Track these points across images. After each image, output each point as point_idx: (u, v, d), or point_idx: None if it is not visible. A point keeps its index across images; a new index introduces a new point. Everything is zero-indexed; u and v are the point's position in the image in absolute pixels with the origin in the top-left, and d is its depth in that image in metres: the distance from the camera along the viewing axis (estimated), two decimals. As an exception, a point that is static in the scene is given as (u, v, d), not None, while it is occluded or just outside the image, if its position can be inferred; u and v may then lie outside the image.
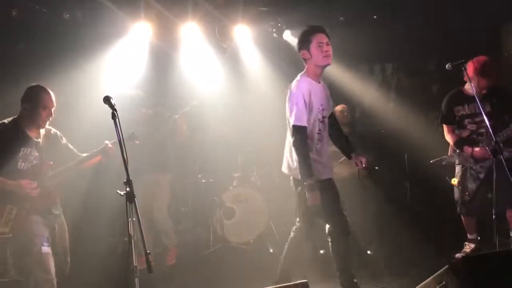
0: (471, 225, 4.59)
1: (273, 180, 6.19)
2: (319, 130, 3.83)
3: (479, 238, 4.63)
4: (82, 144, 4.14)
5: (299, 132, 3.67)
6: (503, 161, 3.60)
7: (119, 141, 2.87)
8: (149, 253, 2.68)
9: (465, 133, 4.51)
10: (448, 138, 4.61)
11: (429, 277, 3.49)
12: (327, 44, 3.75)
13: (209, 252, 5.48)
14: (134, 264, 2.75)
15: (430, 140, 5.18)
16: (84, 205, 4.16)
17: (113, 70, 5.29)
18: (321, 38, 3.76)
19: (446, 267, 3.04)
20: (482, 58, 4.34)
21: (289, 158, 3.86)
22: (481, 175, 4.40)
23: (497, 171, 3.72)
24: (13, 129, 3.64)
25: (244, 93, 6.03)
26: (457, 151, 4.50)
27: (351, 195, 5.59)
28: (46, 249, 3.57)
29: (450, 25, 6.00)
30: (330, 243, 3.94)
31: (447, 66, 4.04)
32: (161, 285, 4.48)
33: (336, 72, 6.43)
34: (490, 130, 3.70)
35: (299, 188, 3.80)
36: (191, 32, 5.78)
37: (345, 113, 6.09)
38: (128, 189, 2.79)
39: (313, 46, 3.74)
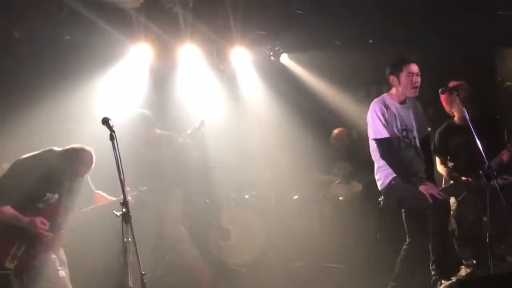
0: (467, 253, 4.58)
1: (270, 202, 6.21)
2: (398, 146, 3.90)
3: (474, 262, 4.63)
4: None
5: (382, 144, 3.84)
6: (497, 185, 3.63)
7: (116, 162, 2.90)
8: (144, 274, 2.69)
9: (460, 163, 4.56)
10: (441, 169, 4.65)
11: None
12: (417, 75, 3.92)
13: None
14: (130, 286, 2.75)
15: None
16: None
17: (113, 92, 5.34)
18: (413, 68, 3.92)
19: (449, 283, 3.03)
20: (465, 85, 4.37)
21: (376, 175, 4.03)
22: (478, 205, 4.41)
23: (491, 196, 3.75)
24: (47, 172, 3.54)
25: (242, 114, 6.08)
26: (451, 182, 4.53)
27: (348, 214, 5.64)
28: (62, 273, 3.57)
29: (446, 50, 6.10)
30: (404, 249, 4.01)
31: (440, 90, 4.12)
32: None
33: (333, 95, 6.53)
34: (484, 154, 3.74)
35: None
36: (189, 54, 5.86)
37: (343, 136, 6.15)
38: (124, 210, 2.80)
39: (403, 75, 3.88)
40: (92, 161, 3.69)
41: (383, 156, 3.87)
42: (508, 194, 3.81)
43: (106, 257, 4.08)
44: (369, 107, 7.25)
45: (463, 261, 4.63)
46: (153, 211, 4.74)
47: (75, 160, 3.62)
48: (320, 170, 6.14)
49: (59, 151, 3.66)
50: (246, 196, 6.03)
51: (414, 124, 3.98)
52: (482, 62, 5.91)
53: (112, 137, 2.96)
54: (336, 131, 6.28)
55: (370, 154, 6.60)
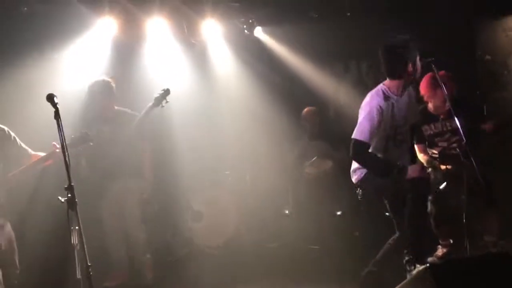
0: (444, 233, 4.46)
1: (245, 183, 6.01)
2: (386, 147, 3.65)
3: (451, 241, 4.52)
4: (39, 144, 3.89)
5: (357, 146, 3.53)
6: (474, 163, 3.48)
7: (61, 143, 2.66)
8: (91, 266, 2.47)
9: (437, 150, 4.43)
10: (421, 157, 4.47)
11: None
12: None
13: (175, 258, 5.25)
14: (78, 277, 2.53)
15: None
16: (28, 211, 3.88)
17: (75, 68, 5.01)
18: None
19: (423, 268, 2.89)
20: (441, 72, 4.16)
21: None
22: (460, 193, 4.25)
23: (468, 175, 3.61)
24: None
25: (213, 91, 5.81)
26: (429, 170, 4.35)
27: (321, 193, 5.49)
28: None
29: (424, 22, 5.87)
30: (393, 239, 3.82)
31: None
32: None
33: (310, 71, 6.29)
34: (462, 134, 3.57)
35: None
36: (158, 27, 5.53)
37: (312, 116, 5.94)
38: (69, 195, 2.57)
39: (418, 61, 3.55)
40: None
41: (354, 156, 3.63)
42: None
43: (52, 246, 3.85)
44: (347, 83, 7.21)
45: (440, 241, 4.53)
46: (111, 200, 4.34)
47: None
48: (293, 150, 5.92)
49: None
50: (220, 177, 5.83)
51: (407, 115, 3.71)
52: (460, 34, 5.69)
53: (56, 115, 2.71)
54: (304, 110, 6.04)
55: (347, 131, 6.55)
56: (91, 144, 3.77)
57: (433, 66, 3.78)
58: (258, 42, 6.14)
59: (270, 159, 5.98)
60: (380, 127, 3.56)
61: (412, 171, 3.48)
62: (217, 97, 5.83)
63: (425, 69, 3.82)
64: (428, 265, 2.86)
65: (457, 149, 3.95)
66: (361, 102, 6.92)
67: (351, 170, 3.86)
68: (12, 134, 3.63)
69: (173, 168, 5.62)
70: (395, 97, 3.62)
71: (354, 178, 3.84)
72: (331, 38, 6.28)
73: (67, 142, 3.26)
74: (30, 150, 3.72)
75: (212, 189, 5.72)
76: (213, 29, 5.79)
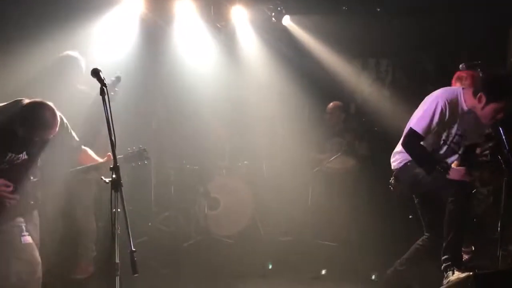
0: (468, 240, 4.39)
1: (262, 172, 5.92)
2: (445, 155, 3.53)
3: (473, 248, 4.46)
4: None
5: (413, 136, 3.43)
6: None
7: (107, 121, 2.53)
8: (135, 251, 2.36)
9: (467, 157, 4.31)
10: (453, 164, 4.38)
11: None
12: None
13: (189, 243, 5.18)
14: (116, 261, 2.43)
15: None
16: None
17: (100, 43, 4.85)
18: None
19: (465, 276, 2.82)
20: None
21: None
22: (490, 199, 4.18)
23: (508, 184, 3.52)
24: (11, 128, 2.88)
25: (238, 77, 5.70)
26: None
27: (341, 190, 5.42)
28: (27, 238, 2.99)
29: (455, 25, 5.78)
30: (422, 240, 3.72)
31: (460, 66, 3.80)
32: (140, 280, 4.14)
33: (335, 64, 6.19)
34: (504, 140, 3.47)
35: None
36: (185, 8, 5.40)
37: (337, 111, 5.84)
38: (114, 176, 2.46)
39: (493, 106, 3.36)
40: (53, 121, 2.94)
41: (405, 145, 3.50)
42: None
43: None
44: (367, 80, 7.10)
45: (462, 248, 4.46)
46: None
47: (34, 122, 2.89)
48: (315, 147, 5.81)
49: (23, 105, 2.93)
50: (239, 165, 5.73)
51: (469, 128, 3.55)
52: (494, 39, 5.61)
53: (103, 92, 2.56)
54: (330, 105, 5.93)
55: (367, 128, 6.45)
56: (146, 162, 3.29)
57: (478, 69, 3.68)
58: (285, 30, 6.02)
59: (289, 151, 5.89)
60: (437, 128, 3.45)
61: (456, 173, 3.39)
62: (242, 84, 5.72)
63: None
64: (471, 273, 2.80)
65: (499, 157, 3.86)
66: (378, 101, 6.89)
67: (393, 152, 3.72)
68: (65, 120, 3.18)
69: (191, 151, 5.54)
70: (465, 108, 3.47)
71: (393, 163, 3.71)
72: (355, 33, 6.18)
73: (119, 156, 2.84)
74: (76, 138, 3.29)
75: (229, 178, 5.63)
76: (240, 15, 5.67)
